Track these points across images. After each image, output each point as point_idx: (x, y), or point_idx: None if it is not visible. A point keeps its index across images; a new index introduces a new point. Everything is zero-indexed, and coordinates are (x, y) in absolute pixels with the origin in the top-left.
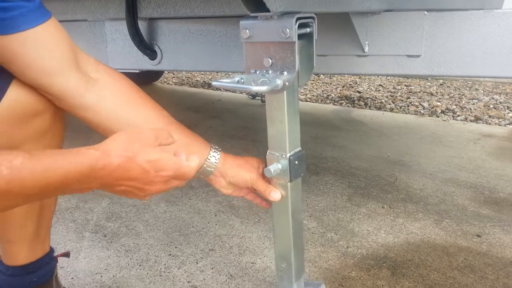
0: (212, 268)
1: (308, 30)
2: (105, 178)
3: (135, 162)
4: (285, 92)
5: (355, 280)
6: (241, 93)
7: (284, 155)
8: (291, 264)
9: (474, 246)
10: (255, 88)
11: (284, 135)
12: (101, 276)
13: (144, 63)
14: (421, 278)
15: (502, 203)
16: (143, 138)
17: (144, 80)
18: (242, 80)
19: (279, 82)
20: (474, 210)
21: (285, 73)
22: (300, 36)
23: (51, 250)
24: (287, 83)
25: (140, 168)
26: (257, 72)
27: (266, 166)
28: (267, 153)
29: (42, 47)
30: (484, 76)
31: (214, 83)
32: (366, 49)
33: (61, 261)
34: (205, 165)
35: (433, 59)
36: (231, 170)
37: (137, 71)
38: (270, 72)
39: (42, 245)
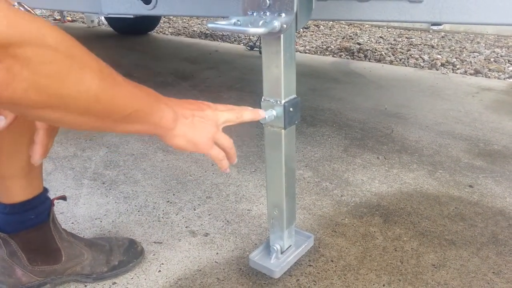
0: (209, 214)
1: None
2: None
3: None
4: (282, 35)
5: (348, 227)
6: (239, 42)
7: (279, 102)
8: (283, 211)
9: (466, 196)
10: (252, 30)
11: (279, 81)
12: (101, 221)
13: (138, 8)
14: (412, 225)
15: (495, 155)
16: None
17: (140, 29)
18: (239, 22)
19: (276, 24)
20: (468, 161)
21: (283, 14)
22: None
23: (46, 189)
24: (284, 25)
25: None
26: (254, 14)
27: None
28: (262, 100)
29: None
30: (487, 24)
31: (209, 25)
32: None
33: (61, 206)
34: None
35: (435, 5)
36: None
37: (132, 17)
38: (267, 13)
39: (37, 183)
